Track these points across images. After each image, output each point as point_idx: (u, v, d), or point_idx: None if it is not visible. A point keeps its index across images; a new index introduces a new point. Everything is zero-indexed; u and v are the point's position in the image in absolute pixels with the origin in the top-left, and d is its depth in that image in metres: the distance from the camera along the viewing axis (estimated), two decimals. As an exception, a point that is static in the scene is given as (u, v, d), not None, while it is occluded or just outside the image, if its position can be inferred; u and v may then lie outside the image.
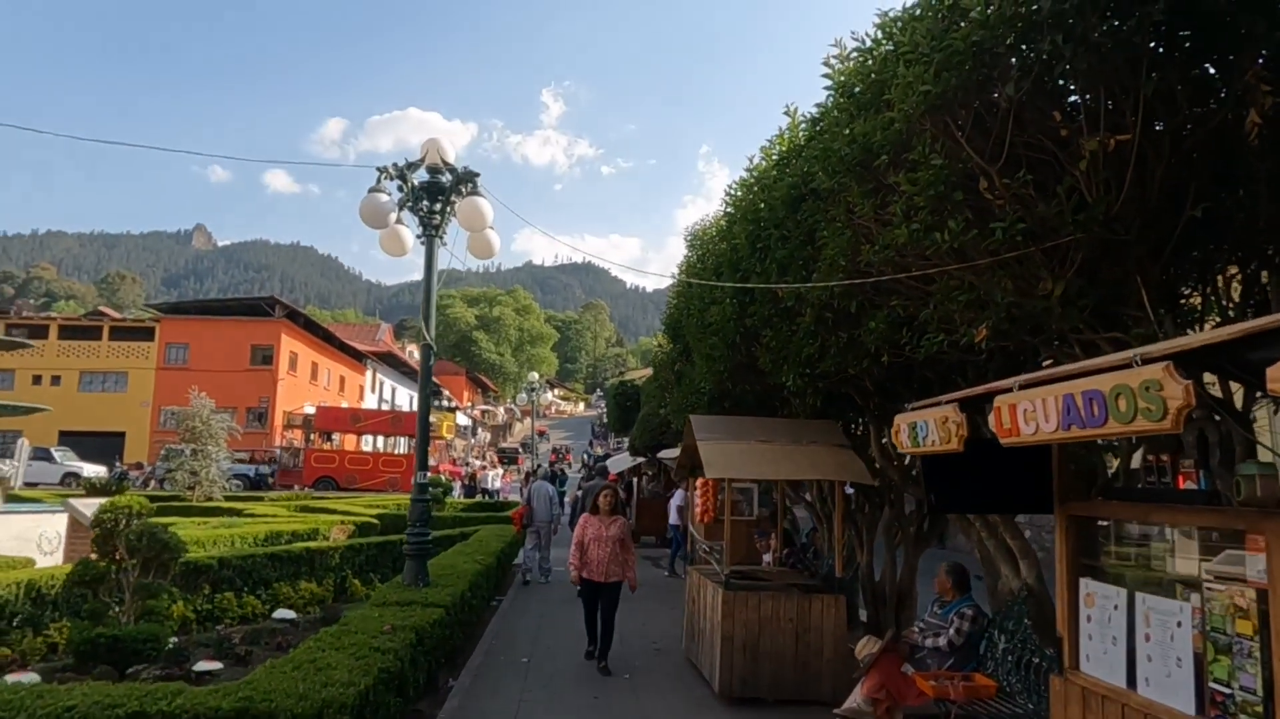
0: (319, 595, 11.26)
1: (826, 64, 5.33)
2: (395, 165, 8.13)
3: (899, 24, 4.29)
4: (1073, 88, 3.83)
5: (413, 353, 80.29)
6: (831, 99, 5.31)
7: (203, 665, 7.36)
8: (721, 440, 7.47)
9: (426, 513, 7.92)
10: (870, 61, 4.58)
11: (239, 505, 21.02)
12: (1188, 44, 3.73)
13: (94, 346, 41.27)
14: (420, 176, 8.31)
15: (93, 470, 32.37)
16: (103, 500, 13.72)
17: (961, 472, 3.58)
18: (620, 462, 21.91)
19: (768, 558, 9.64)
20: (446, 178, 8.24)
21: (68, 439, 37.60)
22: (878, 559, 8.75)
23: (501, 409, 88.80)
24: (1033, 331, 4.00)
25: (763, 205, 6.61)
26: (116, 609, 7.61)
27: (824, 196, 5.16)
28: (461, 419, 73.48)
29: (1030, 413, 2.46)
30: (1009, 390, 2.63)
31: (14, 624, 8.01)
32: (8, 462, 32.37)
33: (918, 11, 4.10)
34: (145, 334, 41.81)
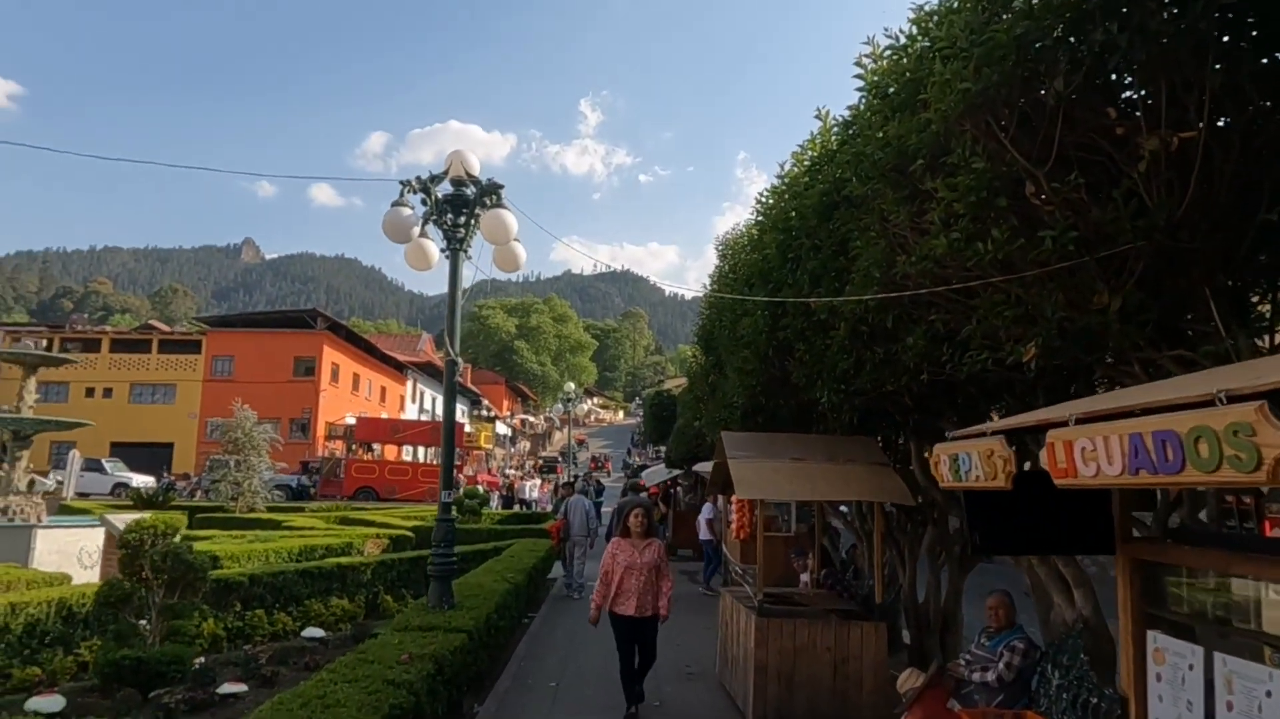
0: (350, 612, 11.18)
1: (859, 64, 5.03)
2: (419, 178, 7.99)
3: (935, 19, 3.98)
4: (1129, 82, 3.48)
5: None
6: (864, 100, 5.01)
7: (227, 688, 7.26)
8: (754, 458, 7.17)
9: (451, 533, 7.75)
10: (905, 60, 4.28)
11: (279, 517, 21.19)
12: (1255, 32, 3.37)
13: (143, 360, 42.27)
14: (444, 189, 8.16)
15: (141, 481, 33.12)
16: (141, 516, 13.87)
17: (1008, 507, 3.23)
18: (657, 473, 21.63)
19: (806, 578, 9.28)
20: (471, 190, 8.08)
21: (119, 450, 38.50)
22: (921, 580, 8.36)
23: (541, 418, 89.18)
24: (1087, 349, 3.65)
25: (794, 213, 6.31)
26: (143, 629, 7.56)
27: (857, 204, 4.85)
28: (501, 428, 73.87)
29: (1090, 452, 2.15)
30: (1064, 424, 2.31)
31: (45, 643, 8.00)
32: (56, 473, 33.25)
33: (955, 4, 3.78)
34: (192, 347, 42.73)
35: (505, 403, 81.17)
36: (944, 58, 3.67)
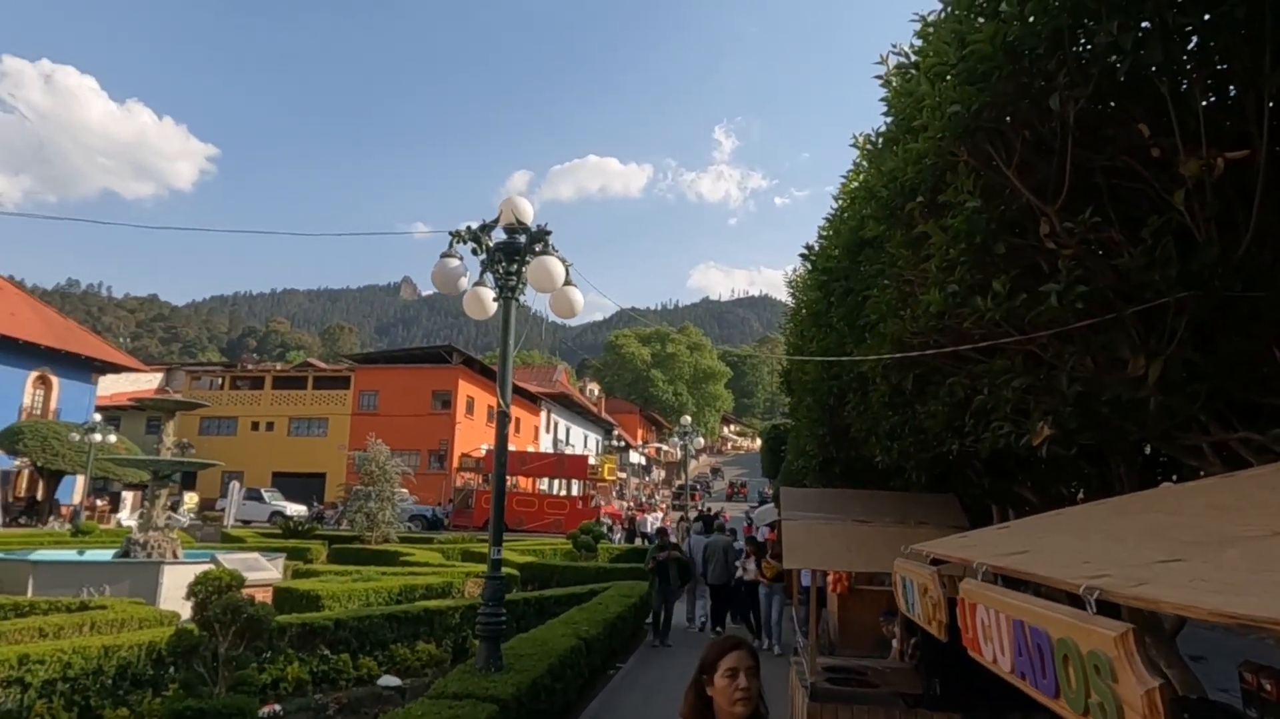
0: (437, 657, 11.15)
1: (885, 83, 4.41)
2: (469, 228, 7.93)
3: (933, 30, 3.36)
4: (1163, 91, 2.75)
5: (592, 391, 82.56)
6: (887, 125, 4.37)
7: (287, 741, 7.30)
8: (811, 519, 6.50)
9: (501, 590, 7.52)
10: (908, 79, 3.65)
11: (405, 549, 21.92)
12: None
13: (300, 395, 45.54)
14: (498, 236, 8.06)
15: (295, 510, 35.49)
16: (246, 556, 14.60)
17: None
18: (766, 513, 20.70)
19: (896, 645, 8.36)
20: (522, 238, 7.93)
21: (279, 480, 41.52)
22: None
23: (677, 447, 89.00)
24: (1118, 430, 2.89)
25: (835, 251, 5.68)
26: (215, 676, 7.76)
27: (875, 245, 4.22)
28: (635, 457, 74.28)
29: (989, 628, 1.54)
30: (974, 574, 1.70)
31: (136, 684, 8.39)
32: (221, 502, 36.07)
33: (945, 12, 3.16)
34: (343, 383, 45.63)
35: (640, 432, 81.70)
36: (932, 76, 3.06)
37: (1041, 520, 2.35)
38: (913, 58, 3.78)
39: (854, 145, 5.39)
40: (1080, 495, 5.29)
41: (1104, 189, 2.91)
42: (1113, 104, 2.91)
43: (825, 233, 6.36)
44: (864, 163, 5.27)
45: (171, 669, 8.71)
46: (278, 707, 8.44)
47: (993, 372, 3.08)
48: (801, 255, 6.49)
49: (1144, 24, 2.56)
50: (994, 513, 6.44)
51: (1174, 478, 3.61)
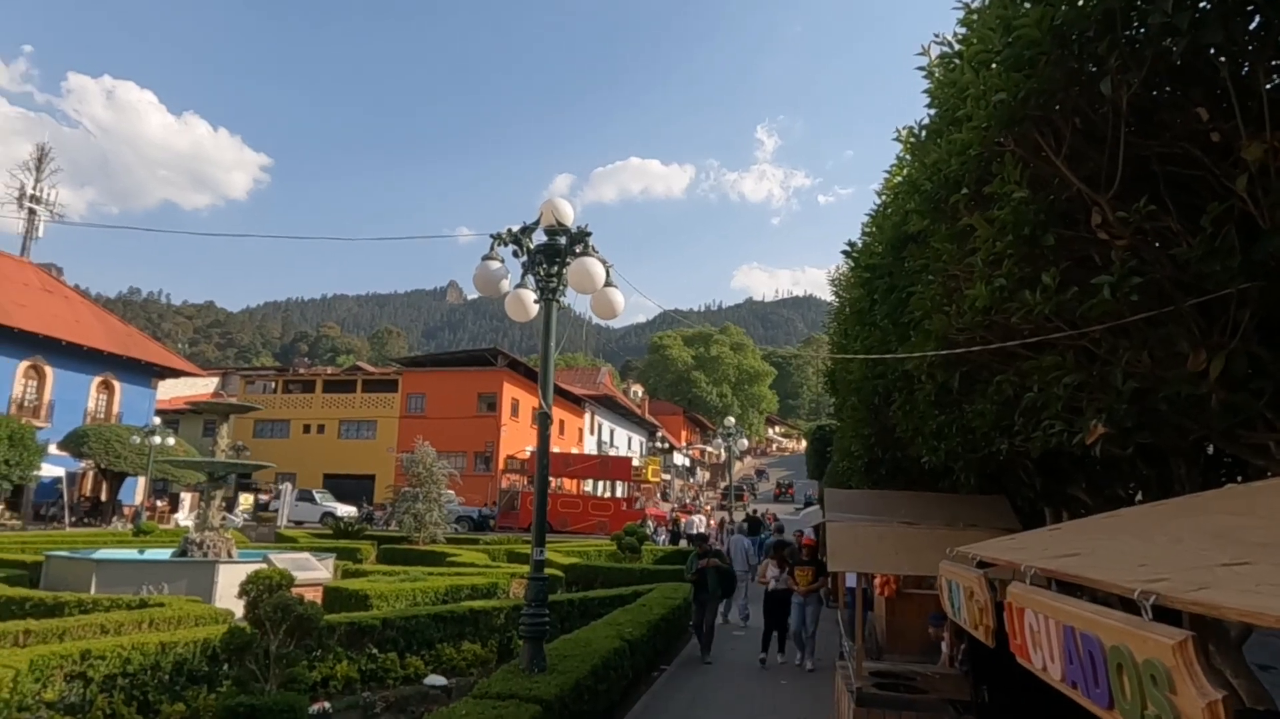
0: (482, 657, 11.25)
1: (928, 74, 4.31)
2: (510, 230, 7.97)
3: (977, 17, 3.26)
4: (1223, 73, 2.63)
5: (635, 393, 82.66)
6: (930, 117, 4.27)
7: (335, 738, 7.42)
8: (856, 521, 6.39)
9: (543, 591, 7.54)
10: (952, 69, 3.55)
11: (451, 550, 22.17)
12: None
13: (350, 399, 46.45)
14: (539, 238, 8.09)
15: (345, 511, 36.17)
16: (297, 555, 14.89)
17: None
18: (812, 516, 20.47)
19: (945, 650, 8.18)
20: (563, 239, 7.95)
21: (330, 481, 42.39)
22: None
23: (721, 448, 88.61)
24: (1178, 429, 2.76)
25: (878, 248, 5.57)
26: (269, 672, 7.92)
27: (919, 240, 4.12)
28: (679, 459, 74.14)
29: (1038, 634, 1.46)
30: (1022, 577, 1.62)
31: (192, 680, 8.60)
32: (275, 503, 36.92)
33: (989, -2, 3.07)
34: (390, 386, 46.41)
35: (684, 433, 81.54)
36: (977, 64, 2.97)
37: (1095, 522, 2.25)
38: (956, 46, 3.68)
39: (896, 139, 5.28)
40: (1138, 498, 5.09)
41: (1160, 176, 2.79)
42: (1168, 88, 2.79)
43: (868, 229, 6.25)
44: (907, 156, 5.16)
45: (225, 666, 8.90)
46: (327, 704, 8.57)
47: (1042, 368, 2.97)
48: (844, 252, 6.37)
49: (1202, 3, 2.45)
50: (1047, 515, 6.24)
51: (1239, 479, 3.45)
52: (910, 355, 4.07)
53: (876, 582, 11.13)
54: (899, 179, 5.52)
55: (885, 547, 6.08)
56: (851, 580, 13.19)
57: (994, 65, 2.86)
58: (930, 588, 11.69)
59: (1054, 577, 1.54)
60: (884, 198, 5.91)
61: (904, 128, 5.25)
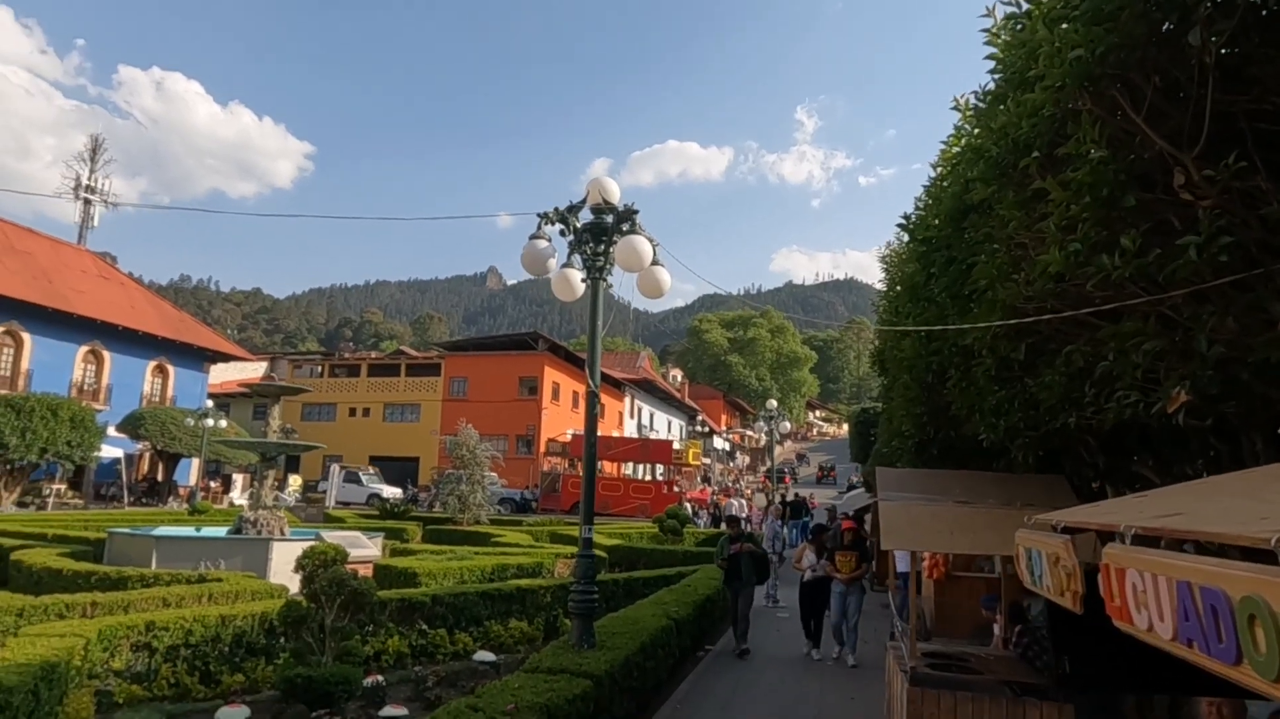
0: (529, 635, 11.37)
1: (992, 39, 4.17)
2: (557, 209, 7.97)
3: (1050, -28, 3.14)
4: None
5: (675, 377, 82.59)
6: (995, 82, 4.14)
7: (389, 711, 7.55)
8: (909, 500, 6.29)
9: (592, 569, 7.58)
10: (1023, 29, 3.43)
11: (495, 531, 22.43)
12: None
13: (394, 382, 47.16)
14: (585, 217, 8.08)
15: (390, 492, 36.82)
16: (348, 534, 15.18)
17: (1105, 627, 2.32)
18: (856, 498, 20.28)
19: (998, 632, 8.05)
20: (609, 218, 7.93)
21: (375, 463, 43.15)
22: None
23: (761, 432, 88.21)
24: (1261, 400, 2.65)
25: (935, 220, 5.44)
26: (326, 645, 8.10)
27: (982, 209, 4.01)
28: (719, 443, 74.01)
29: (1141, 593, 1.41)
30: (1121, 538, 1.56)
31: (251, 652, 8.84)
32: (323, 484, 37.72)
33: (1065, -51, 2.94)
34: (433, 370, 47.01)
35: (723, 417, 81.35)
36: (1050, 21, 2.86)
37: (1185, 487, 2.17)
38: (1025, 6, 3.56)
39: (955, 108, 5.14)
40: (1206, 476, 4.93)
41: (1247, 134, 2.67)
42: (1258, 41, 2.66)
43: (924, 202, 6.11)
44: (966, 125, 5.03)
45: (282, 639, 9.13)
46: (380, 677, 8.74)
47: (1120, 335, 2.86)
48: (899, 225, 6.22)
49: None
50: (1109, 495, 6.09)
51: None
52: (975, 326, 3.97)
53: (925, 564, 11.00)
54: (957, 149, 5.38)
55: (940, 525, 5.98)
56: (901, 564, 13.06)
57: (1070, 21, 2.75)
58: (980, 571, 11.51)
59: (1160, 535, 1.48)
60: (940, 169, 5.77)
61: (962, 96, 5.11)
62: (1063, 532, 2.03)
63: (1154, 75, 2.78)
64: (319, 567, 7.89)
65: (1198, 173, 2.55)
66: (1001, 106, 3.59)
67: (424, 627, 10.31)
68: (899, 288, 7.95)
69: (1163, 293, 2.65)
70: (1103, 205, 2.70)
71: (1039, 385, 3.85)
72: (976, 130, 4.50)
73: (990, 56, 4.10)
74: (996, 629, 8.08)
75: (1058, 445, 5.57)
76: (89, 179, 46.87)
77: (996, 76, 4.11)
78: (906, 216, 6.16)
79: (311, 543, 14.57)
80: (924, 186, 6.23)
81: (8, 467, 27.73)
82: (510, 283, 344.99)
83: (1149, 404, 2.96)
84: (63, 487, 32.44)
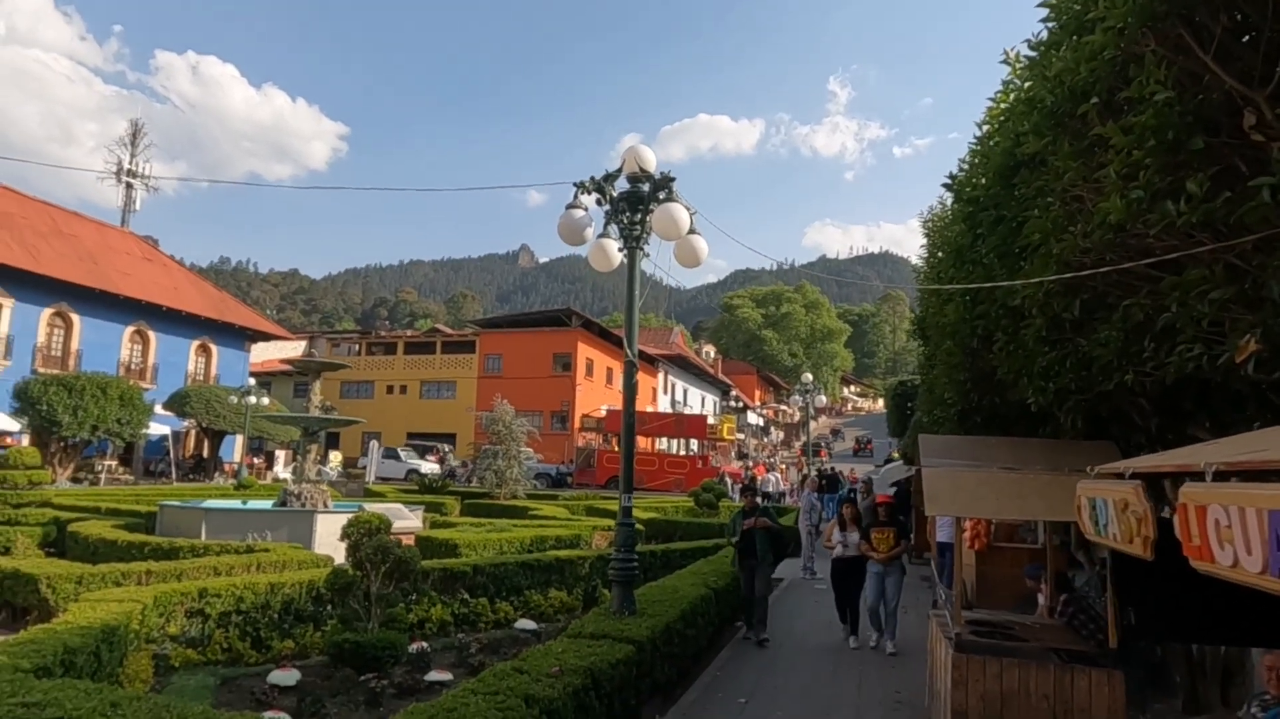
0: (569, 604, 11.51)
1: (1044, -13, 4.03)
2: (593, 179, 7.93)
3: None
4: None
5: (708, 353, 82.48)
6: (1048, 31, 4.00)
7: (434, 676, 7.71)
8: (954, 467, 6.21)
9: (632, 537, 7.62)
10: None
11: (532, 504, 22.68)
12: None
13: (430, 360, 47.69)
14: (621, 186, 8.03)
15: (428, 468, 37.36)
16: (390, 506, 15.43)
17: (1173, 576, 2.27)
18: (893, 471, 20.14)
19: (1042, 602, 7.96)
20: (646, 186, 7.87)
21: (413, 439, 43.79)
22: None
23: (795, 407, 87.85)
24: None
25: (983, 179, 5.30)
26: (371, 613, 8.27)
27: (1034, 163, 3.89)
28: (753, 418, 73.86)
29: (1225, 528, 1.36)
30: (1200, 476, 1.51)
31: (300, 619, 9.06)
32: (363, 460, 38.35)
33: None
34: (468, 347, 47.43)
35: (757, 393, 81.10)
36: (1113, -41, 2.75)
37: (1256, 434, 2.10)
38: (1082, -51, 3.43)
39: (1004, 61, 4.99)
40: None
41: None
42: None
43: (969, 162, 5.96)
44: (1016, 80, 4.88)
45: (329, 607, 9.34)
46: (425, 644, 8.91)
47: (1185, 285, 2.76)
48: (944, 185, 6.06)
49: None
50: (1160, 460, 5.96)
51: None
52: (1027, 282, 3.87)
53: (966, 534, 10.89)
54: (1005, 104, 5.22)
55: (986, 491, 5.90)
56: (943, 534, 12.97)
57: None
58: (1023, 542, 11.39)
59: (1248, 468, 1.43)
60: (988, 127, 5.61)
61: (1011, 49, 4.95)
62: (1131, 478, 1.98)
63: (1221, 13, 2.66)
64: (364, 535, 8.03)
65: (1271, 112, 2.44)
66: (1056, 54, 3.47)
67: (466, 596, 10.48)
68: (941, 254, 7.80)
69: (1230, 239, 2.55)
70: (1168, 150, 2.60)
71: (1093, 343, 3.75)
72: (1028, 83, 4.35)
73: (1043, 4, 3.96)
74: (1041, 599, 7.99)
75: (1105, 412, 5.44)
76: (130, 163, 47.78)
77: (1050, 25, 3.98)
78: (952, 177, 6.02)
79: (355, 514, 14.88)
80: (970, 145, 6.08)
81: (61, 443, 28.64)
82: (542, 260, 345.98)
83: (1213, 357, 2.87)
84: (114, 463, 33.45)
